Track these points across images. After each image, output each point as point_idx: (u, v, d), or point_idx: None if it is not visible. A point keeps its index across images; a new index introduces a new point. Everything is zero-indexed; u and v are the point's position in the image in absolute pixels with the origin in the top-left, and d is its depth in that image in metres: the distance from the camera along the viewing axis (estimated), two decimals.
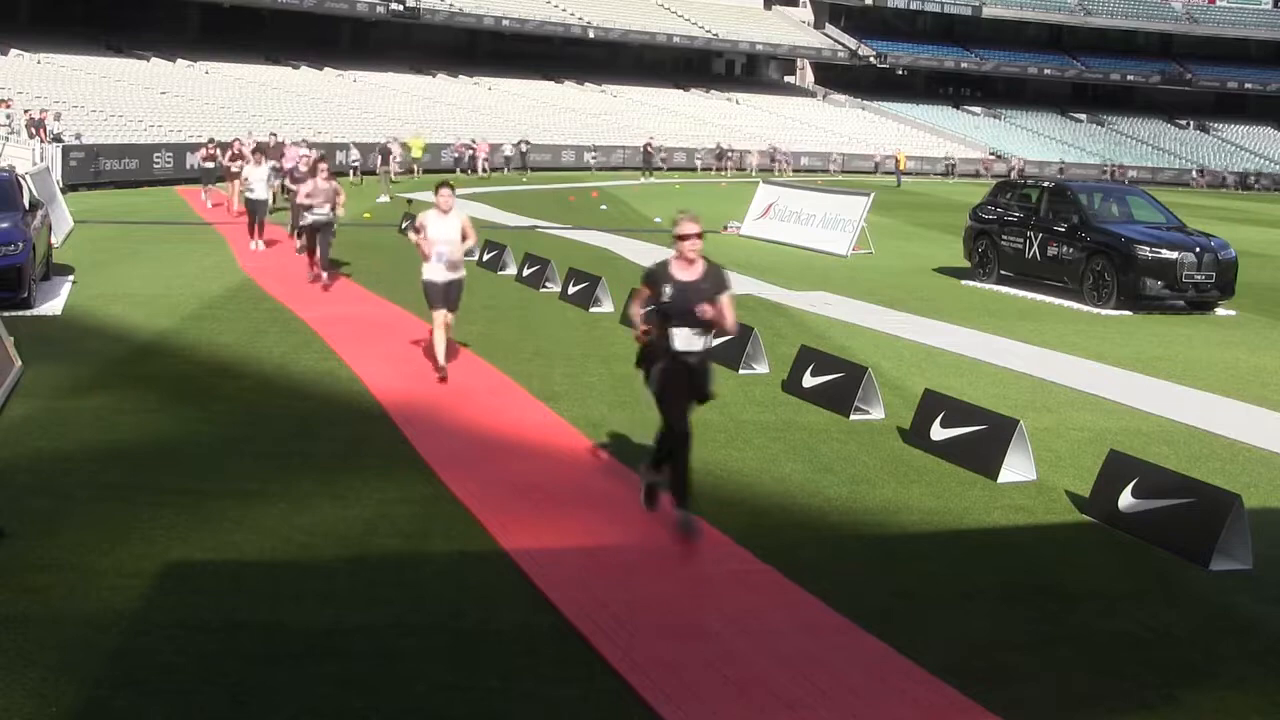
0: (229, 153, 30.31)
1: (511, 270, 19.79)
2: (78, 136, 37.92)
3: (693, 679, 5.55)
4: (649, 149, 58.36)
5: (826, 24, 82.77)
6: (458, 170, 51.26)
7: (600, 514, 7.88)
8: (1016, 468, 8.94)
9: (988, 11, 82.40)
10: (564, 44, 72.14)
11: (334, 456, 8.99)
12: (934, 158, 73.38)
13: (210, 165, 31.42)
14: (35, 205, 16.70)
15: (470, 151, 52.87)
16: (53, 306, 15.01)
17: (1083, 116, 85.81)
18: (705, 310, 7.43)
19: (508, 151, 54.57)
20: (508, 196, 38.15)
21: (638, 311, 7.71)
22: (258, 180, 22.14)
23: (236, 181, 28.03)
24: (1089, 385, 12.56)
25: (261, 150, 25.36)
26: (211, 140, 34.67)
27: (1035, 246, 19.98)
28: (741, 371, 12.44)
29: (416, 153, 46.24)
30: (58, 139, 36.20)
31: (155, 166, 39.02)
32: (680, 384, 7.47)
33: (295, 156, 32.45)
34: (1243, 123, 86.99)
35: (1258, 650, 6.22)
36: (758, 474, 8.92)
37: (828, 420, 10.57)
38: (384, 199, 34.57)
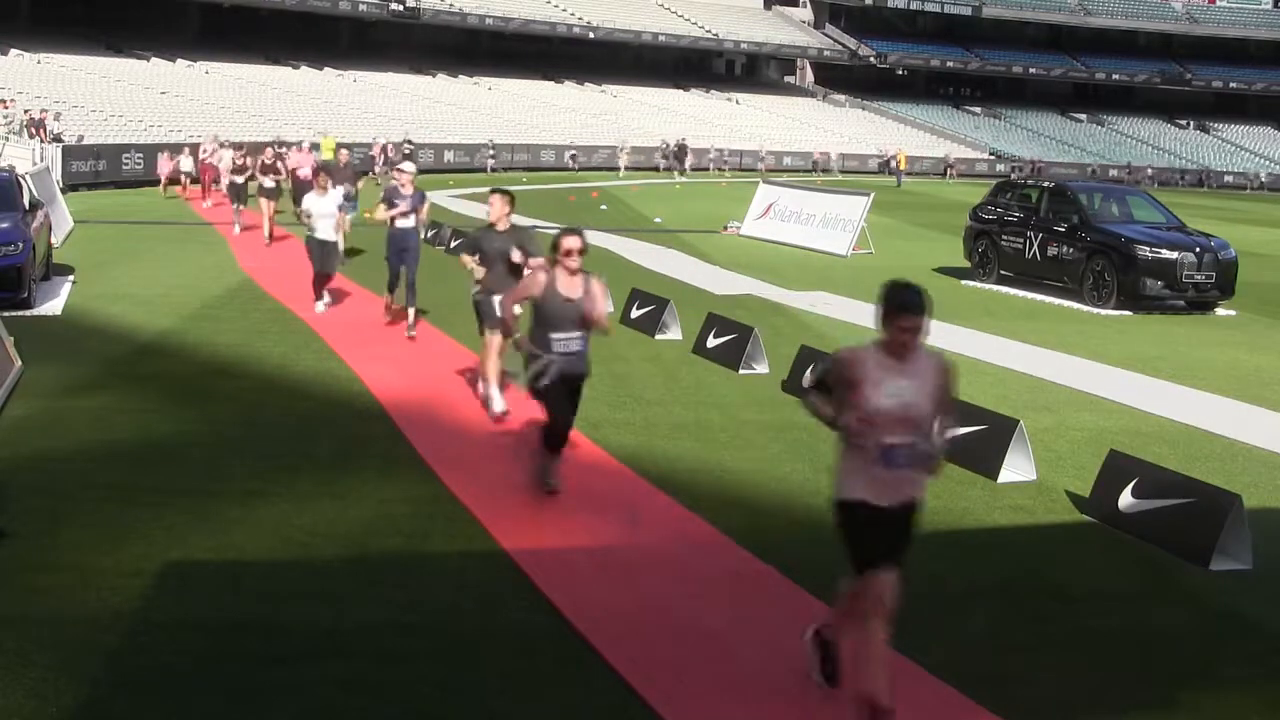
0: (259, 162, 24.06)
1: None
2: (80, 138, 37.90)
3: (693, 679, 5.55)
4: (683, 148, 58.10)
5: (826, 24, 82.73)
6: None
7: (600, 514, 7.88)
8: (1016, 468, 8.94)
9: (988, 11, 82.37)
10: (564, 44, 72.10)
11: (334, 456, 8.99)
12: (972, 159, 73.45)
13: (239, 180, 25.10)
14: (35, 205, 16.69)
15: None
16: (53, 306, 15.01)
17: (1083, 116, 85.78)
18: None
19: (389, 152, 45.26)
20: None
21: None
22: (324, 214, 15.11)
23: (266, 202, 23.06)
24: (1089, 385, 12.56)
25: (327, 170, 17.93)
26: (240, 145, 29.82)
27: (1035, 246, 19.98)
28: (741, 371, 12.44)
29: (327, 154, 37.65)
30: (58, 139, 36.17)
31: (124, 168, 37.36)
32: None
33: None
34: (1243, 123, 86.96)
35: (1258, 650, 6.22)
36: (758, 474, 8.92)
37: None
38: None
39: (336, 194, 15.96)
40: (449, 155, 53.54)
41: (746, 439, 9.89)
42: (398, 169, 14.38)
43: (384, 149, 45.93)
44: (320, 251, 15.24)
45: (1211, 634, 6.41)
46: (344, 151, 23.66)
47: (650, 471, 8.79)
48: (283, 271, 19.14)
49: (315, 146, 32.22)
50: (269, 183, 23.33)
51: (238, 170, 25.34)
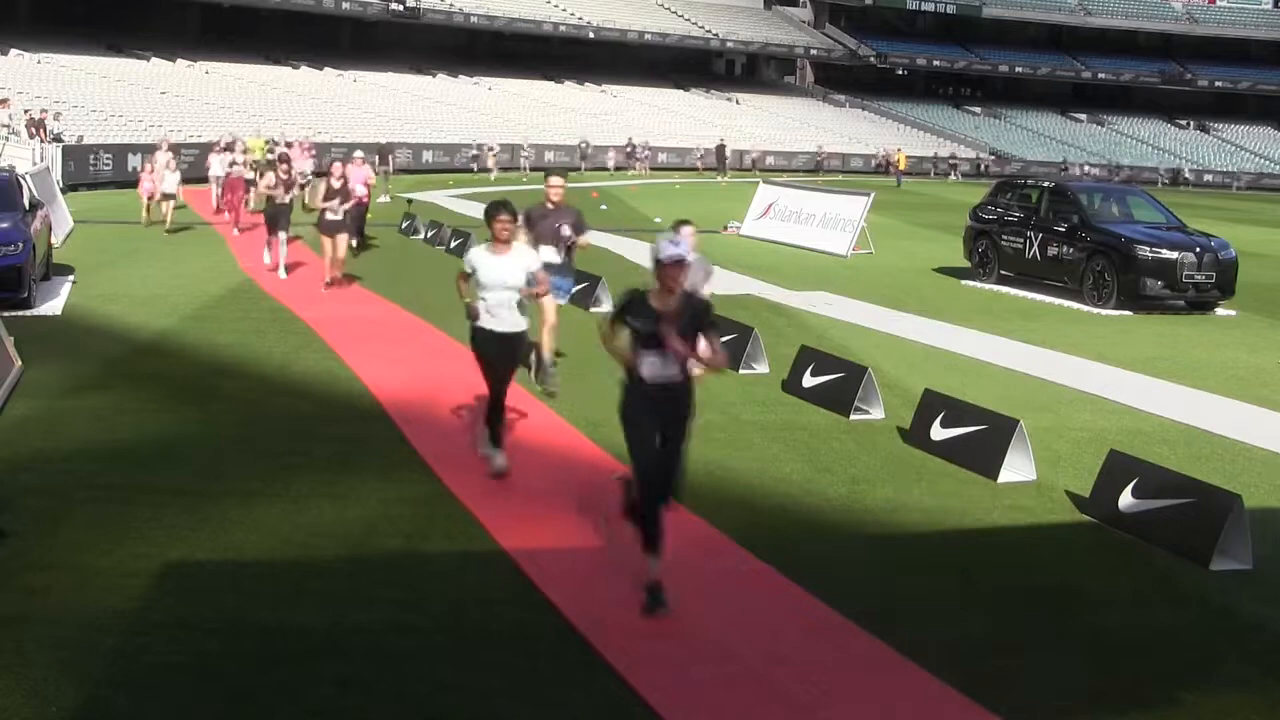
0: (325, 185, 17.31)
1: None
2: (80, 138, 37.87)
3: (693, 679, 5.55)
4: (722, 149, 57.62)
5: (826, 24, 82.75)
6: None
7: (600, 514, 7.87)
8: (1016, 468, 8.94)
9: (988, 11, 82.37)
10: (564, 44, 72.10)
11: (334, 456, 8.98)
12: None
13: (284, 200, 18.52)
14: (35, 205, 16.69)
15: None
16: (53, 306, 15.01)
17: (1083, 116, 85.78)
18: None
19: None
20: (508, 196, 38.13)
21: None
22: (503, 287, 8.28)
23: (331, 240, 17.07)
24: (1089, 385, 12.56)
25: (517, 213, 8.94)
26: (283, 156, 21.47)
27: (1035, 246, 19.98)
28: (741, 371, 12.44)
29: (256, 154, 32.40)
30: (58, 139, 36.14)
31: (90, 169, 35.94)
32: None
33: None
34: (1243, 123, 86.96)
35: (1258, 650, 6.22)
36: (758, 474, 8.92)
37: (828, 420, 10.56)
38: (384, 199, 34.54)
39: (531, 255, 8.61)
40: (428, 155, 52.24)
41: (746, 439, 9.89)
42: (678, 244, 6.42)
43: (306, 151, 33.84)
44: (498, 354, 8.35)
45: (1211, 634, 6.41)
46: (556, 180, 11.53)
47: None
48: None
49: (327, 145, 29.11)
50: (334, 214, 17.03)
51: (281, 185, 18.67)
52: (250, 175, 26.60)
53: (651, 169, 58.97)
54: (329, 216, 17.02)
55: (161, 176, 25.39)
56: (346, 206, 17.39)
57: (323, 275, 17.36)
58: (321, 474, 8.51)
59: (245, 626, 5.93)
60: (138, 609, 6.07)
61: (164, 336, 13.42)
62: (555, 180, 11.47)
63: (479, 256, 8.35)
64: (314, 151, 32.10)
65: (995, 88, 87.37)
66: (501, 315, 8.29)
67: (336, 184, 17.21)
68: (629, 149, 59.10)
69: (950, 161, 71.72)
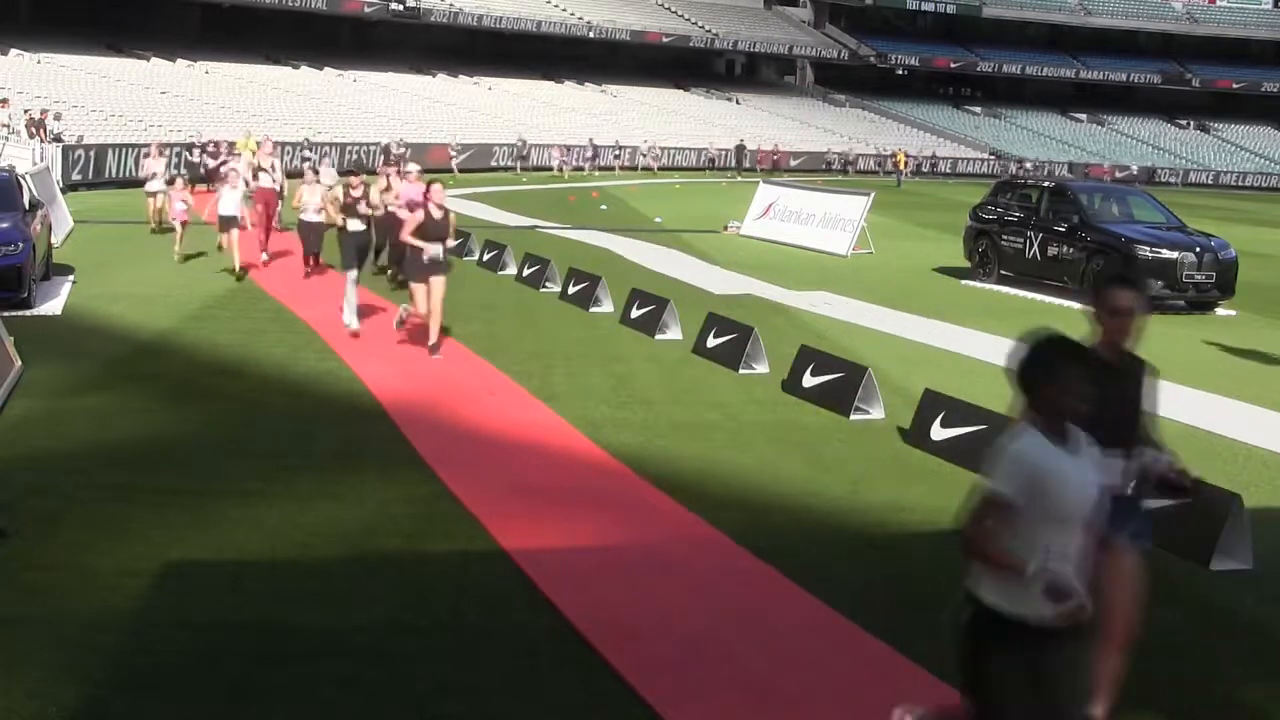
0: (424, 214, 12.40)
1: (511, 270, 19.78)
2: (80, 138, 37.87)
3: (693, 679, 5.55)
4: (741, 148, 57.12)
5: (826, 24, 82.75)
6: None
7: (600, 514, 7.88)
8: None
9: (988, 11, 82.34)
10: (564, 44, 72.10)
11: (334, 456, 8.99)
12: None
13: (359, 228, 14.51)
14: (35, 205, 16.69)
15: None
16: (53, 306, 15.00)
17: (1083, 116, 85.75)
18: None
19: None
20: (508, 196, 38.15)
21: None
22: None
23: (436, 281, 12.42)
24: None
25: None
26: (351, 171, 17.80)
27: (1035, 246, 19.98)
28: (741, 371, 12.44)
29: (245, 154, 28.02)
30: (58, 139, 36.14)
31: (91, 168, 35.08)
32: None
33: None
34: (1243, 123, 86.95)
35: (1258, 650, 6.22)
36: (758, 474, 8.92)
37: (828, 420, 10.56)
38: None
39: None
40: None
41: (746, 439, 9.89)
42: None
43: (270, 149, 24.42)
44: (1076, 665, 3.90)
45: (1211, 634, 6.41)
46: (1129, 306, 5.00)
47: (650, 471, 8.79)
48: (284, 272, 19.09)
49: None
50: (434, 249, 12.39)
51: (349, 205, 14.54)
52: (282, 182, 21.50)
53: (625, 168, 57.25)
54: (427, 256, 12.35)
55: (158, 178, 23.18)
56: (454, 244, 13.36)
57: (400, 327, 13.13)
58: (321, 474, 8.52)
59: (245, 626, 5.93)
60: (138, 609, 6.08)
61: (164, 336, 13.42)
62: (1127, 309, 5.05)
63: (1043, 454, 3.81)
64: (273, 151, 25.37)
65: (995, 88, 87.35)
66: (1071, 575, 3.81)
67: (438, 213, 12.42)
68: (591, 150, 55.40)
69: (895, 156, 71.04)
